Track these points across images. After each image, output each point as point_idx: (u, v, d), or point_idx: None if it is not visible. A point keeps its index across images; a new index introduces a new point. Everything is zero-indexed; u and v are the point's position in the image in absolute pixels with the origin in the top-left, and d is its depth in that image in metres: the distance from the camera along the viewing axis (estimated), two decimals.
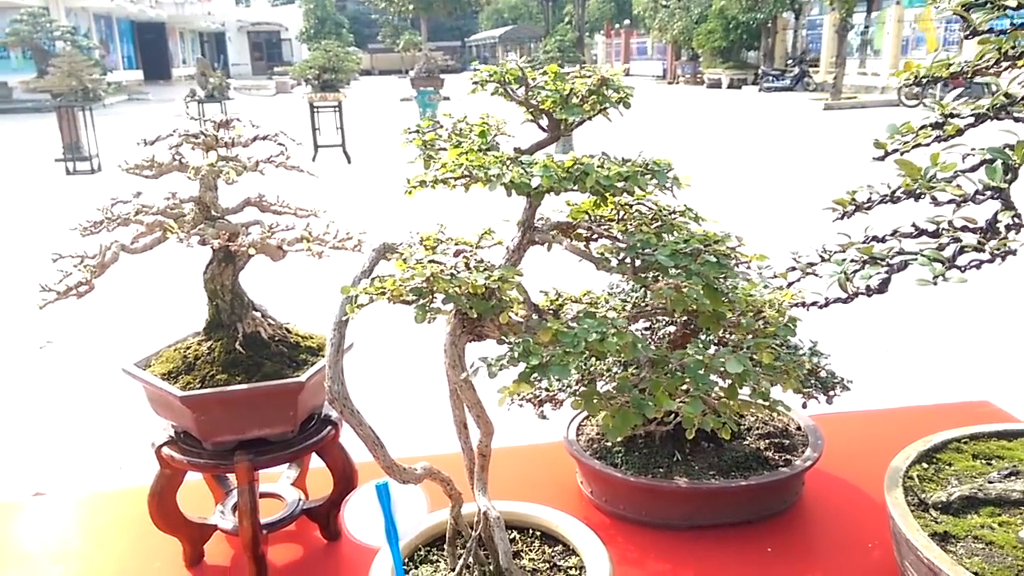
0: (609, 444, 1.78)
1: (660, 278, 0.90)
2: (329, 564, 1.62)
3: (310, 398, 1.53)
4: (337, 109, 13.16)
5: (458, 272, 0.90)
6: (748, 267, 1.01)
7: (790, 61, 29.11)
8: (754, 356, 0.94)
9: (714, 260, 0.93)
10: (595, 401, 0.89)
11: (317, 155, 12.96)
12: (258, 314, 1.58)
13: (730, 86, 30.03)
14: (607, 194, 0.98)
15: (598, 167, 0.97)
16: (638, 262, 0.96)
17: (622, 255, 0.98)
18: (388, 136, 15.17)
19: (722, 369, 0.89)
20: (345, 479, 1.63)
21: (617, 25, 46.01)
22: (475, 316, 0.92)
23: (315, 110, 13.12)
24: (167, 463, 1.54)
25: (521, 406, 1.81)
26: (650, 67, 40.77)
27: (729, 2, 28.08)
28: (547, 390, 1.76)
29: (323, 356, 1.55)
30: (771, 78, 27.64)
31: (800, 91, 26.10)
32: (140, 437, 3.66)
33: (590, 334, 0.86)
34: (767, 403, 0.95)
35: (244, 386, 1.45)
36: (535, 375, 0.86)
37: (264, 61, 55.14)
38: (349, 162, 12.95)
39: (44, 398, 4.27)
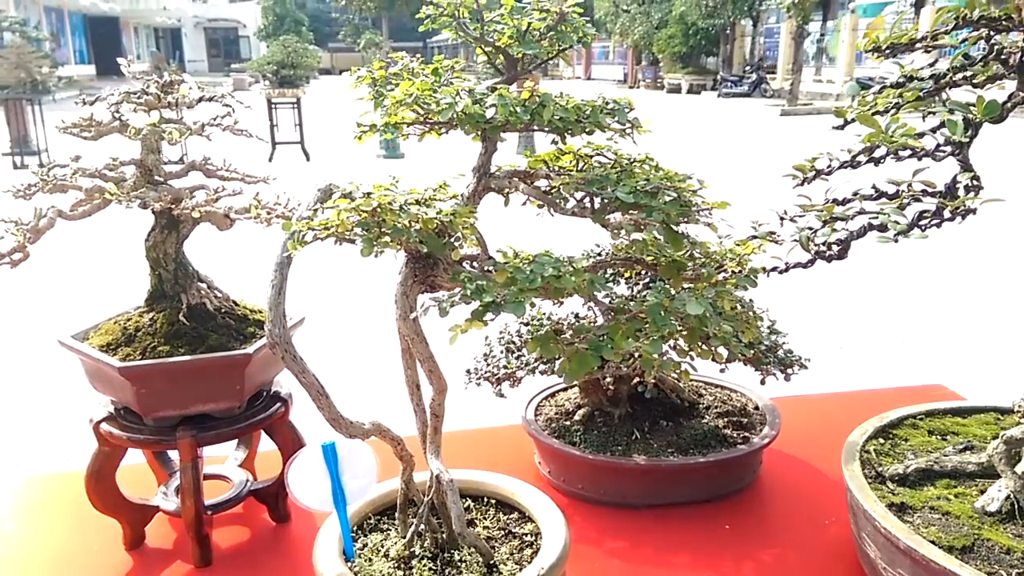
0: (568, 423, 1.75)
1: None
2: (277, 547, 1.56)
3: (258, 372, 1.48)
4: (296, 106, 12.96)
5: (408, 207, 0.85)
6: (709, 215, 0.99)
7: (748, 67, 29.55)
8: (715, 303, 0.91)
9: (675, 197, 0.90)
10: (551, 344, 0.85)
11: (275, 152, 12.76)
12: (204, 285, 1.52)
13: (689, 91, 30.37)
14: (567, 133, 0.94)
15: (556, 99, 0.93)
16: (597, 202, 0.93)
17: (580, 195, 0.95)
18: (347, 134, 15.03)
19: (682, 313, 0.86)
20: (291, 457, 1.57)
21: None
22: (428, 261, 0.87)
23: (273, 106, 12.90)
24: (106, 440, 1.47)
25: (479, 384, 1.77)
26: (611, 71, 41.05)
27: (689, 8, 28.43)
28: (506, 367, 1.72)
29: None
30: (729, 84, 28.03)
31: (758, 97, 26.51)
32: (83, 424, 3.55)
33: (546, 269, 0.82)
34: (730, 348, 0.92)
35: (187, 357, 1.39)
36: (489, 313, 0.82)
37: (221, 58, 54.27)
38: (308, 159, 12.77)
39: None
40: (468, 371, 1.78)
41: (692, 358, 0.93)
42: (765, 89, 26.97)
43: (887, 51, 1.32)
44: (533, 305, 0.84)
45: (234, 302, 1.57)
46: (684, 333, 0.88)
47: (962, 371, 4.23)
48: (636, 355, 0.86)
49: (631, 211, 0.89)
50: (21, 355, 4.55)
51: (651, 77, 34.52)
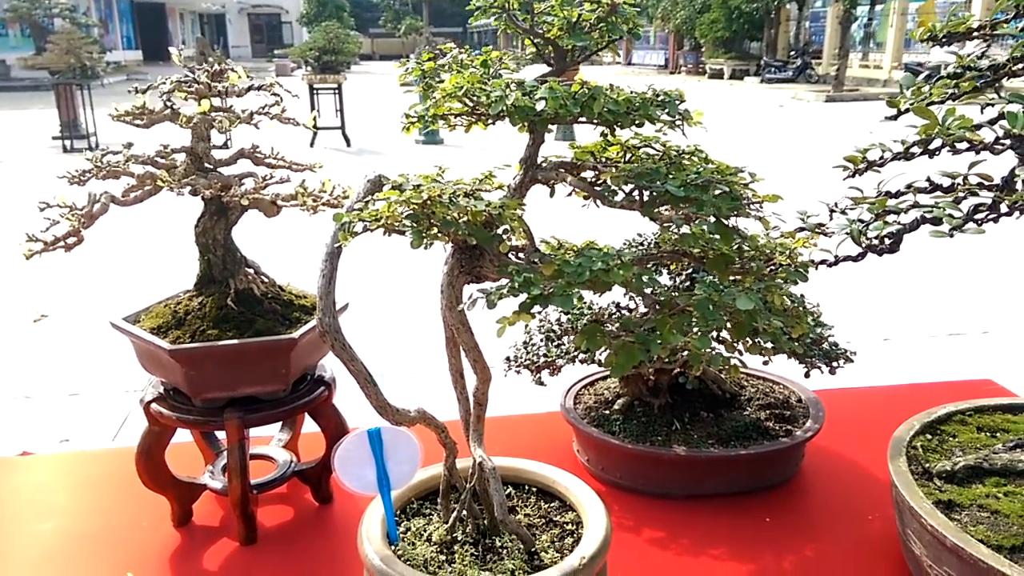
0: (607, 412, 1.75)
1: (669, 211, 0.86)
2: (320, 526, 1.59)
3: (303, 356, 1.50)
4: (337, 91, 13.05)
5: (457, 199, 0.86)
6: (760, 208, 0.98)
7: (793, 52, 28.97)
8: (764, 298, 0.90)
9: (727, 191, 0.89)
10: (598, 337, 0.85)
11: (316, 137, 12.88)
12: (251, 271, 1.55)
13: (732, 77, 29.88)
14: (616, 125, 0.94)
15: (607, 91, 0.93)
16: (646, 195, 0.92)
17: (629, 187, 0.94)
18: (387, 119, 15.10)
19: (731, 308, 0.85)
20: (337, 442, 1.60)
21: None
22: (475, 252, 0.88)
23: (315, 92, 13.01)
24: (156, 419, 1.51)
25: (519, 372, 1.78)
26: (652, 57, 40.54)
27: None
28: (545, 356, 1.72)
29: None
30: (773, 69, 27.50)
31: (802, 83, 25.99)
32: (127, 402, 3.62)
33: (595, 263, 0.82)
34: (779, 343, 0.91)
35: (235, 341, 1.42)
36: (536, 306, 0.82)
37: (264, 44, 54.75)
38: (348, 144, 12.86)
39: (36, 368, 4.23)
40: (508, 359, 1.79)
41: (741, 353, 0.92)
42: (810, 74, 26.42)
43: (944, 39, 1.29)
44: (581, 298, 0.83)
45: (280, 287, 1.60)
46: (732, 327, 0.87)
47: (1012, 365, 4.12)
48: (683, 350, 0.85)
49: (681, 205, 0.88)
50: (74, 335, 4.68)
51: (693, 62, 34.02)
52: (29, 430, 3.54)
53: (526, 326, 1.79)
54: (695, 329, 0.83)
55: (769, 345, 0.94)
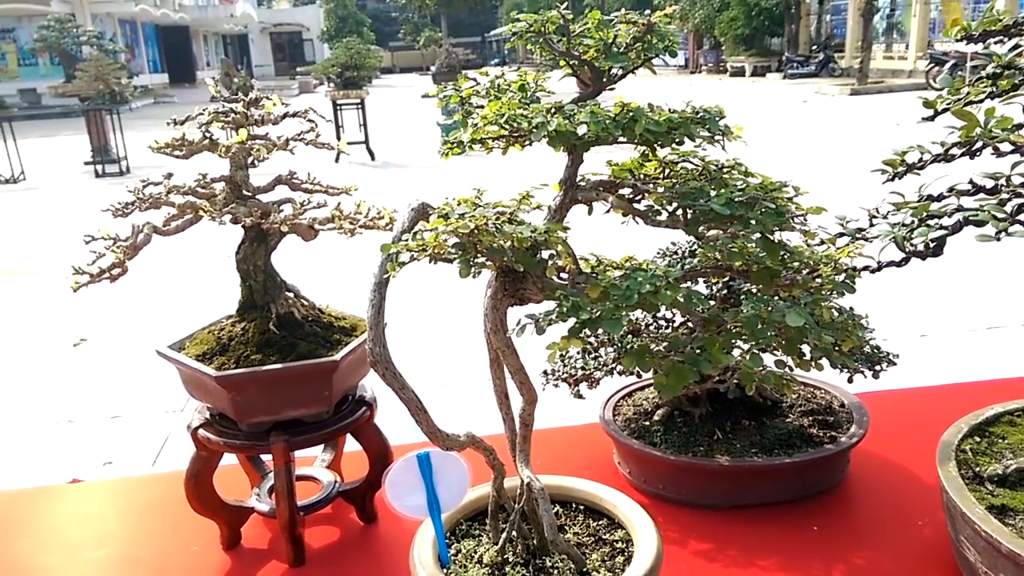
0: (647, 423, 1.75)
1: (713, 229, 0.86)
2: (366, 546, 1.60)
3: (345, 378, 1.52)
4: (360, 106, 13.18)
5: (502, 226, 0.87)
6: (804, 221, 0.97)
7: (815, 47, 28.69)
8: (813, 312, 0.90)
9: (773, 209, 0.89)
10: (647, 359, 0.85)
11: (341, 153, 13.02)
12: (291, 295, 1.57)
13: (753, 74, 29.67)
14: (656, 144, 0.94)
15: (648, 113, 0.93)
16: (690, 213, 0.92)
17: (673, 206, 0.94)
18: (410, 132, 15.19)
19: (780, 324, 0.85)
20: (381, 461, 1.61)
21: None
22: (518, 275, 0.89)
23: (338, 108, 13.15)
24: (203, 445, 1.53)
25: (557, 386, 1.78)
26: (671, 57, 40.42)
27: None
28: (583, 368, 1.72)
29: (356, 336, 1.54)
30: (795, 64, 27.26)
31: (825, 77, 25.72)
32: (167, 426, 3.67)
33: (643, 286, 0.82)
34: (831, 360, 0.90)
35: (279, 366, 1.44)
36: (585, 330, 0.82)
37: (287, 61, 55.44)
38: (373, 158, 12.98)
39: (77, 392, 4.31)
40: (545, 372, 1.79)
41: (791, 368, 0.92)
42: (833, 68, 26.15)
43: (979, 37, 1.27)
44: (630, 321, 0.84)
45: (320, 310, 1.62)
46: (782, 343, 0.87)
47: None
48: (734, 369, 0.85)
49: (726, 223, 0.88)
50: (113, 358, 4.76)
51: (713, 61, 33.85)
52: (73, 453, 3.61)
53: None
54: (745, 347, 0.83)
55: (824, 361, 0.93)
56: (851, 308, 1.38)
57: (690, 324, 1.12)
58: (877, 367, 1.65)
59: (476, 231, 0.85)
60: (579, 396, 1.77)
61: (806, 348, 0.95)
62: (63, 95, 15.16)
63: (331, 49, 18.14)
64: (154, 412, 3.97)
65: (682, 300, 0.83)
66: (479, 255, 0.86)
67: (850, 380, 1.66)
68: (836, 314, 0.90)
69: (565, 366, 1.79)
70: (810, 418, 1.71)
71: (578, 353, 1.78)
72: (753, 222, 0.87)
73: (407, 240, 0.90)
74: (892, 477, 1.70)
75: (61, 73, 21.82)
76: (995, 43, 1.30)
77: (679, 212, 0.94)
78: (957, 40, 1.24)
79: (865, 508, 1.61)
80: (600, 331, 0.84)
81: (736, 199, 0.89)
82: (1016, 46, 1.19)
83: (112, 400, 4.15)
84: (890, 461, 1.76)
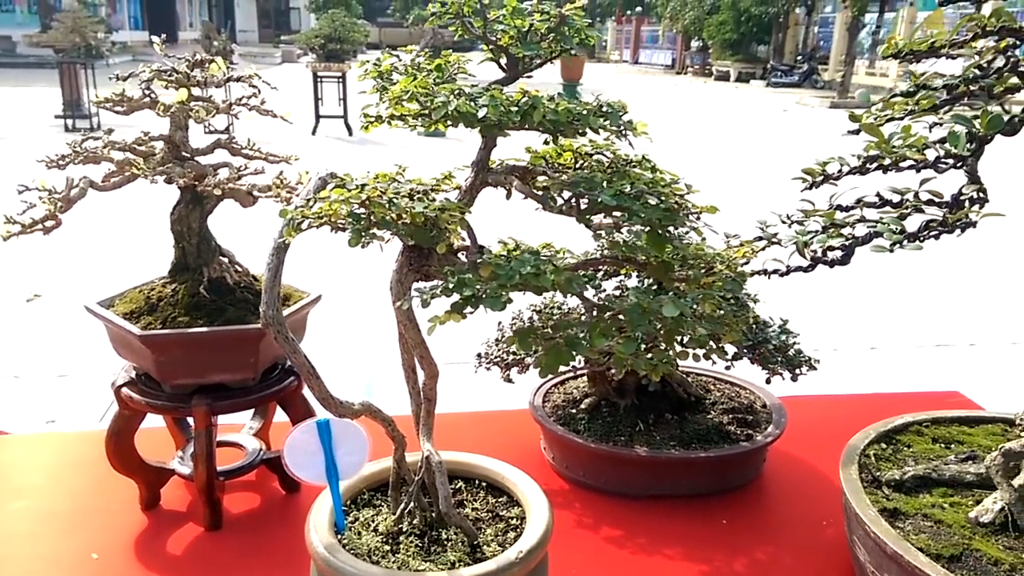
0: (574, 411, 1.78)
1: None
2: (285, 514, 1.62)
3: (272, 346, 1.52)
4: (341, 80, 13.06)
5: (397, 199, 0.89)
6: (699, 218, 1.00)
7: (800, 57, 28.93)
8: (696, 305, 0.93)
9: (656, 203, 0.92)
10: (529, 339, 0.88)
11: (319, 125, 12.88)
12: (225, 259, 1.57)
13: (738, 79, 29.84)
14: (559, 134, 0.96)
15: (547, 102, 0.95)
16: (584, 203, 0.95)
17: (567, 194, 0.97)
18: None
19: (659, 314, 0.88)
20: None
21: (628, 12, 45.68)
22: (423, 251, 0.91)
23: (319, 80, 13.01)
24: (126, 404, 1.53)
25: (488, 369, 1.80)
26: (659, 56, 40.48)
27: None
28: (514, 353, 1.75)
29: (289, 305, 1.55)
30: (779, 73, 27.47)
31: (808, 88, 25.96)
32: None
33: (525, 267, 0.85)
34: (704, 351, 0.94)
35: (204, 329, 1.45)
36: (467, 307, 0.85)
37: (272, 29, 54.56)
38: (350, 134, 12.87)
39: (25, 348, 4.25)
40: (479, 355, 1.81)
41: (675, 356, 0.95)
42: (816, 80, 26.39)
43: (908, 57, 1.31)
44: (511, 301, 0.86)
45: (254, 277, 1.62)
46: (663, 333, 0.90)
47: (993, 378, 4.15)
48: (611, 353, 0.88)
49: (614, 213, 0.91)
50: (65, 318, 4.70)
51: (700, 63, 33.97)
52: (15, 410, 3.57)
53: (498, 323, 1.82)
54: (627, 334, 0.86)
55: (700, 352, 0.97)
56: (744, 302, 1.41)
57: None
58: (796, 371, 1.70)
59: (368, 202, 0.87)
60: (509, 380, 1.80)
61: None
62: (38, 45, 14.83)
63: (317, 20, 17.91)
64: (103, 372, 3.92)
65: (564, 283, 0.86)
66: (372, 226, 0.88)
67: (768, 381, 1.70)
68: (724, 304, 0.94)
69: (499, 350, 1.81)
70: (730, 416, 1.75)
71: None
72: (637, 214, 0.90)
73: (306, 207, 0.92)
74: (803, 478, 1.76)
75: (38, 22, 21.32)
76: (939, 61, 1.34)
77: (573, 201, 0.96)
78: (884, 58, 1.28)
79: (774, 506, 1.67)
80: (526, 304, 0.86)
81: (625, 191, 0.92)
82: (938, 73, 1.23)
83: (61, 358, 4.11)
84: (803, 462, 1.81)
